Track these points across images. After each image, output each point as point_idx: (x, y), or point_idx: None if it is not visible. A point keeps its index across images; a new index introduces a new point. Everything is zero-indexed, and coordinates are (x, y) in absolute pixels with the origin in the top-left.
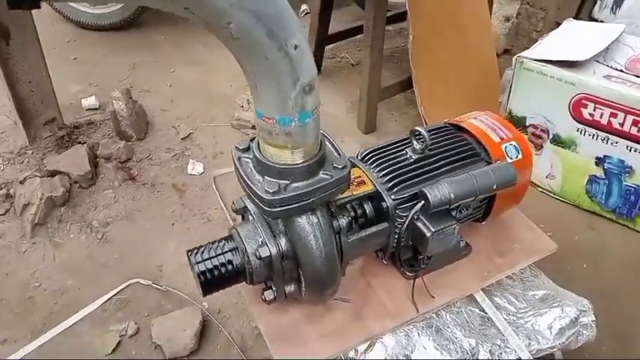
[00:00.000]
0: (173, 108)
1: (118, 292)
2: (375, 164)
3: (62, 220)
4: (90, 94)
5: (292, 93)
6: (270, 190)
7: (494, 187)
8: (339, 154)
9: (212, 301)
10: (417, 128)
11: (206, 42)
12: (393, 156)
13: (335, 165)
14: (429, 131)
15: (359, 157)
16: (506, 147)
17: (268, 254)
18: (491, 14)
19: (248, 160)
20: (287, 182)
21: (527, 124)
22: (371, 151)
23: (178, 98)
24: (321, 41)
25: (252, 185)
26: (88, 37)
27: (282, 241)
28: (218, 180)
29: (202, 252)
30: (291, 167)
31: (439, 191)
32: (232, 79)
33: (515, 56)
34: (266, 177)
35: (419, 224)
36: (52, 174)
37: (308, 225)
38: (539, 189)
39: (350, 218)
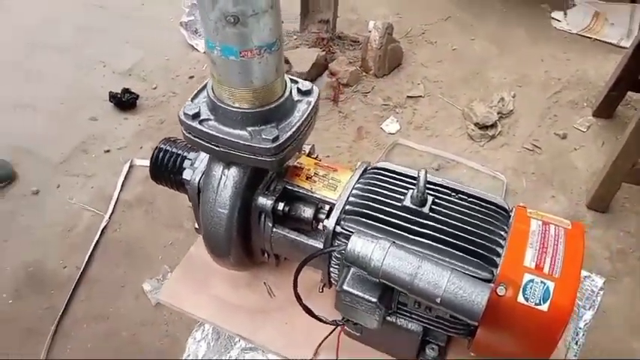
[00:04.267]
0: (433, 67)
1: None
2: (366, 182)
3: None
4: (385, 20)
5: (211, 14)
6: (185, 112)
7: (438, 300)
8: (288, 129)
9: None
10: (420, 172)
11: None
12: (390, 186)
13: (264, 135)
14: (470, 195)
15: (368, 167)
16: (531, 280)
17: (188, 178)
18: None
19: None
20: (211, 117)
21: None
22: (381, 169)
23: (447, 63)
24: (623, 81)
25: (186, 103)
26: None
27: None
28: (397, 148)
29: (171, 144)
30: (216, 102)
31: (366, 247)
32: (514, 72)
33: None
34: (203, 104)
35: (344, 273)
36: None
37: (215, 175)
38: None
39: (286, 208)
